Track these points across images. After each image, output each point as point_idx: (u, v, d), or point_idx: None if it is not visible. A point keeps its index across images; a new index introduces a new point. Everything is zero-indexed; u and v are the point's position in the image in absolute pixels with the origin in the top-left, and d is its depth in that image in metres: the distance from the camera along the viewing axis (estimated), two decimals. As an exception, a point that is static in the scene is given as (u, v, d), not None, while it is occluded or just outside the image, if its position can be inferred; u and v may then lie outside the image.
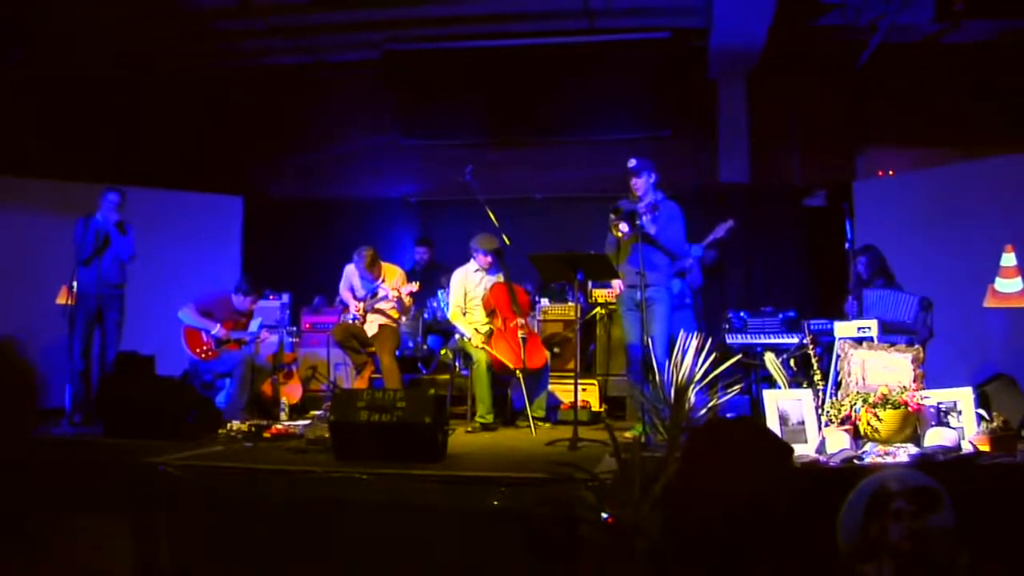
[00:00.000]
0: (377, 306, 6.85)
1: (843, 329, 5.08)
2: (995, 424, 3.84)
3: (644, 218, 5.59)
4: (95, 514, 3.81)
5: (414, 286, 6.74)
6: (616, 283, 5.84)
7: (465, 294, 6.64)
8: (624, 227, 5.57)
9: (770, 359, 4.73)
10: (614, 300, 7.30)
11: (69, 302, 6.55)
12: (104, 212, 6.58)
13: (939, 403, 4.04)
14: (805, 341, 4.92)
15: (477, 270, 6.66)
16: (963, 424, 3.99)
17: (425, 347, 8.09)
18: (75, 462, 4.62)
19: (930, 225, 7.50)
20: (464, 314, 6.61)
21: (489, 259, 6.59)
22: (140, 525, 3.81)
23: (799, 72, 8.74)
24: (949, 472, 3.29)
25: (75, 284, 6.50)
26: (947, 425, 3.94)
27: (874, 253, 6.42)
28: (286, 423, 6.10)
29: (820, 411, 4.23)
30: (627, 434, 5.23)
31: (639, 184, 5.78)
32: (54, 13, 7.92)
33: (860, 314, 5.98)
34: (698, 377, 4.82)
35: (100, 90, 9.43)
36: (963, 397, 4.05)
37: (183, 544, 3.81)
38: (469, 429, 6.08)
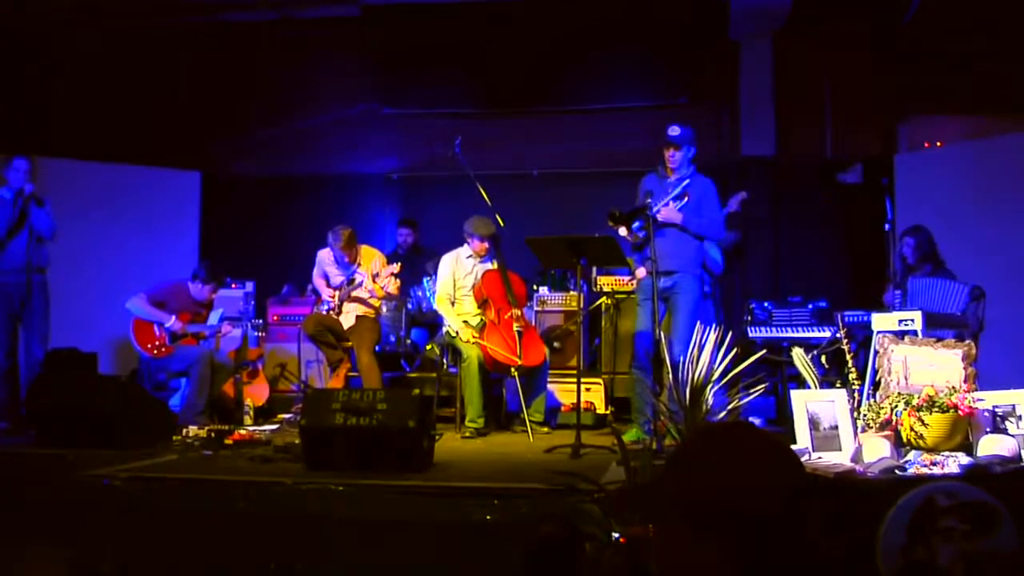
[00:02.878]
0: (354, 295, 6.79)
1: (882, 321, 5.02)
2: (1061, 430, 3.79)
3: (650, 200, 5.55)
4: (28, 537, 3.76)
5: (394, 267, 6.65)
6: (640, 271, 5.80)
7: (455, 282, 6.57)
8: (623, 231, 5.58)
9: (798, 355, 4.68)
10: (623, 289, 7.29)
11: None
12: (15, 183, 6.41)
13: (995, 406, 3.97)
14: (838, 335, 4.87)
15: (470, 256, 6.59)
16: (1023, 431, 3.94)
17: (408, 341, 8.06)
18: (2, 476, 4.57)
19: (984, 204, 7.45)
20: (452, 304, 6.55)
21: (485, 245, 6.52)
22: (81, 549, 3.76)
23: (833, 29, 8.67)
24: (1008, 486, 3.24)
25: None
26: (1005, 432, 3.88)
27: (923, 235, 6.37)
28: (250, 428, 6.09)
29: (856, 414, 4.19)
30: (623, 438, 5.22)
31: (676, 157, 5.73)
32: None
33: (904, 304, 5.95)
34: (716, 376, 4.78)
35: (31, 47, 9.28)
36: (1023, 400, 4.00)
37: (131, 569, 3.77)
38: (468, 435, 6.05)
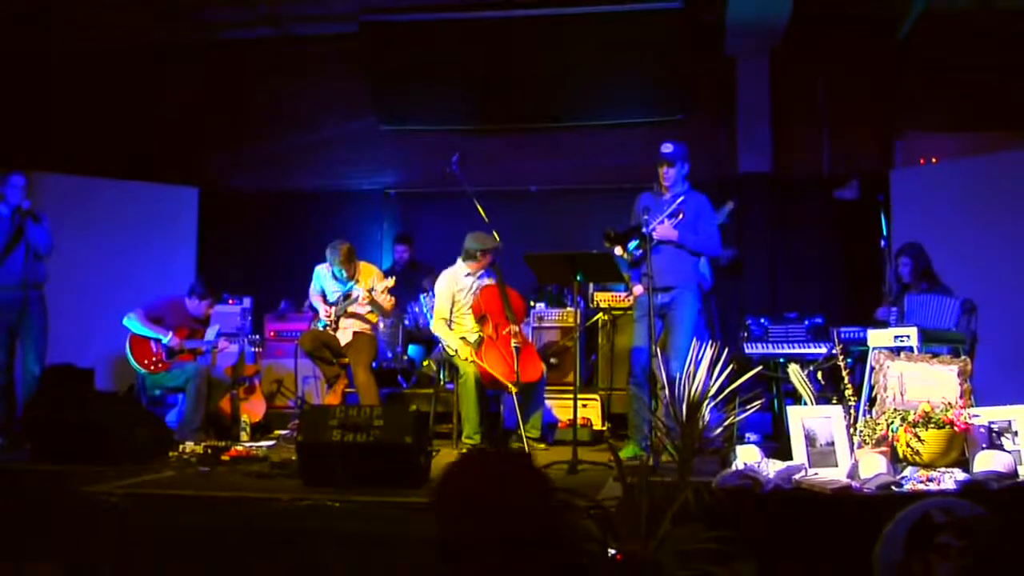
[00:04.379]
0: (351, 310, 6.78)
1: (878, 338, 5.05)
2: (1057, 446, 3.80)
3: (646, 217, 5.58)
4: (23, 556, 3.75)
5: (389, 281, 6.64)
6: (637, 287, 5.81)
7: (453, 301, 6.54)
8: (619, 251, 5.59)
9: (795, 371, 4.69)
10: (619, 305, 7.30)
11: None
12: (12, 199, 6.40)
13: (991, 422, 3.98)
14: (835, 351, 4.89)
15: (468, 274, 6.55)
16: (1020, 447, 3.94)
17: (405, 358, 8.05)
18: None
19: (980, 220, 7.48)
20: (450, 326, 6.51)
21: (488, 259, 6.49)
22: (77, 566, 3.75)
23: (830, 47, 8.72)
24: (1003, 502, 3.24)
25: None
26: (1000, 448, 3.88)
27: (918, 253, 6.39)
28: (247, 444, 6.07)
29: (852, 431, 4.19)
30: (620, 454, 5.20)
31: (670, 175, 5.76)
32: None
33: (900, 321, 5.96)
34: (712, 392, 4.78)
35: (30, 66, 9.32)
36: (1019, 416, 4.00)
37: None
38: (464, 451, 6.02)
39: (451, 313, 6.52)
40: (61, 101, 9.33)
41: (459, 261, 6.57)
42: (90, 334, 7.70)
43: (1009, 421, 3.98)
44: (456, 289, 6.53)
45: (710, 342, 4.97)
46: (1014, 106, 8.11)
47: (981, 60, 8.28)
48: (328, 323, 6.77)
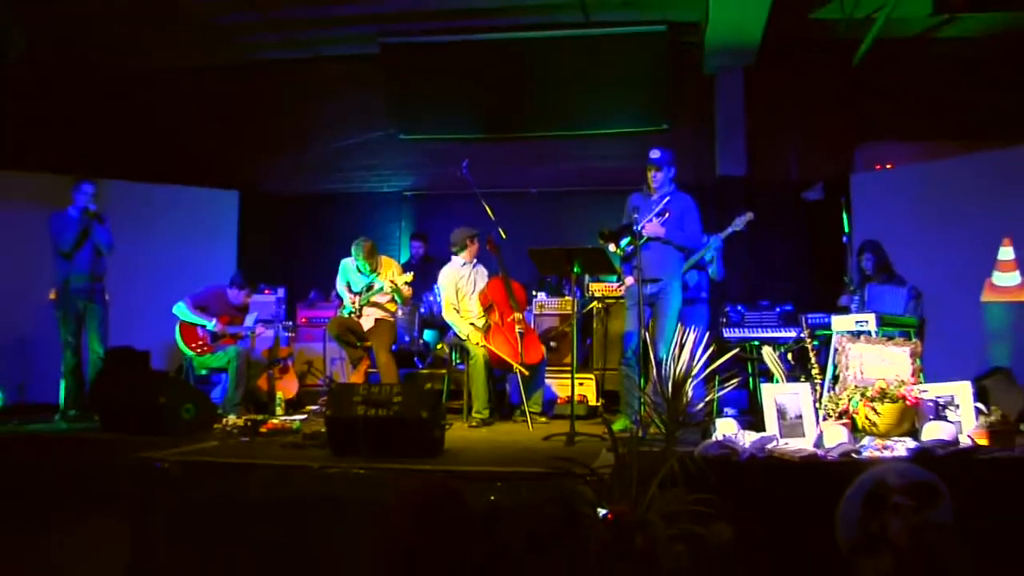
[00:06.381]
0: (373, 300, 6.82)
1: (841, 323, 5.07)
2: (993, 418, 3.82)
3: (636, 216, 5.59)
4: (89, 511, 3.78)
5: (408, 276, 6.68)
6: (628, 279, 5.83)
7: (457, 291, 6.61)
8: (612, 247, 5.59)
9: (768, 353, 4.72)
10: (612, 294, 7.31)
11: (51, 297, 6.50)
12: (81, 203, 6.48)
13: (937, 397, 4.02)
14: (803, 335, 4.91)
15: (464, 264, 6.66)
16: (961, 418, 3.97)
17: (421, 341, 8.08)
18: (68, 458, 4.59)
19: (928, 218, 7.49)
20: (458, 312, 6.56)
21: (476, 245, 6.64)
22: (136, 522, 3.79)
23: (797, 66, 8.73)
24: (948, 466, 3.28)
25: (58, 279, 6.44)
26: (945, 419, 3.92)
27: (879, 249, 6.41)
28: (282, 418, 6.08)
29: (818, 405, 4.22)
30: (613, 427, 5.22)
31: (658, 178, 5.75)
32: (54, 10, 7.97)
33: (862, 308, 5.98)
34: (695, 371, 4.80)
35: (96, 85, 9.37)
36: (961, 391, 4.04)
37: (180, 542, 3.79)
38: (474, 424, 6.07)
39: (457, 302, 6.59)
40: (121, 116, 9.37)
41: (453, 257, 6.69)
42: (145, 321, 7.72)
43: (952, 396, 4.02)
44: (458, 278, 6.63)
45: (707, 326, 4.97)
46: (955, 118, 8.18)
47: (926, 79, 8.36)
48: (353, 310, 6.80)
